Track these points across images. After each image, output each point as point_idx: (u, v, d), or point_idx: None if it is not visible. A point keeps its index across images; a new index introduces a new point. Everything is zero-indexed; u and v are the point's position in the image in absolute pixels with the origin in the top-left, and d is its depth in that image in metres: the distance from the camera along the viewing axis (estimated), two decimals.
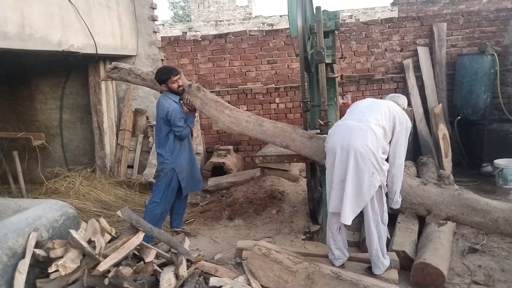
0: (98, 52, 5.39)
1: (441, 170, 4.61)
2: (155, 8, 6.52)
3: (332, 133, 3.07)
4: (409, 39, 6.78)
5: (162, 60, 6.76)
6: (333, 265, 3.13)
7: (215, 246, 4.00)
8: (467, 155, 6.19)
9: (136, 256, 2.84)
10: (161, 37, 7.01)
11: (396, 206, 3.09)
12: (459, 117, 6.28)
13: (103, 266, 2.43)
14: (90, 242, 2.64)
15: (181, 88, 3.90)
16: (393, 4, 13.26)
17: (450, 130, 6.29)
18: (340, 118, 3.66)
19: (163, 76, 3.86)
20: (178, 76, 3.88)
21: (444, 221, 3.45)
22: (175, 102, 3.87)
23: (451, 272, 3.21)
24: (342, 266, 3.15)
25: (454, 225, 3.92)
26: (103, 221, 2.84)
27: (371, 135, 2.86)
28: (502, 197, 4.88)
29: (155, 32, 6.56)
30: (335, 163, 2.92)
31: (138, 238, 2.73)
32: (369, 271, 3.09)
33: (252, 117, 3.84)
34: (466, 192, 3.27)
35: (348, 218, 2.88)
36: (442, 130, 5.95)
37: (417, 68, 6.64)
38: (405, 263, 3.23)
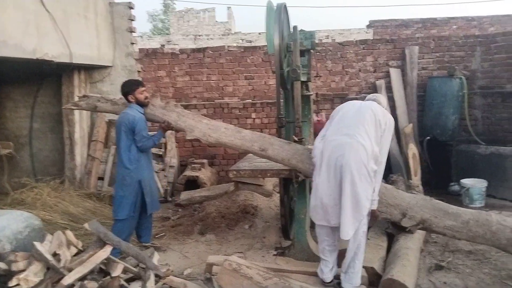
0: (73, 62, 5.31)
1: (410, 181, 4.72)
2: (133, 20, 6.51)
3: (324, 149, 3.08)
4: (382, 61, 7.00)
5: (138, 71, 6.72)
6: (322, 280, 3.19)
7: (185, 261, 3.94)
8: (435, 174, 6.38)
9: (103, 271, 2.77)
10: (139, 49, 6.99)
11: (374, 206, 3.08)
12: (428, 137, 6.49)
13: (67, 280, 2.36)
14: (55, 255, 2.57)
15: (147, 99, 3.90)
16: (368, 26, 13.69)
17: (420, 149, 6.48)
18: (315, 135, 3.72)
19: (132, 87, 3.86)
20: (145, 88, 3.94)
21: (418, 226, 3.37)
22: (141, 113, 3.86)
23: None
24: (330, 283, 3.18)
25: (421, 242, 4.01)
26: (69, 233, 2.78)
27: (362, 151, 2.93)
28: None
29: (132, 43, 6.53)
30: (329, 179, 2.99)
31: (105, 252, 2.68)
32: (339, 286, 3.12)
33: (230, 126, 3.91)
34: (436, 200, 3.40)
35: (348, 233, 2.95)
36: (412, 150, 6.12)
37: (389, 89, 6.84)
38: (374, 279, 3.27)
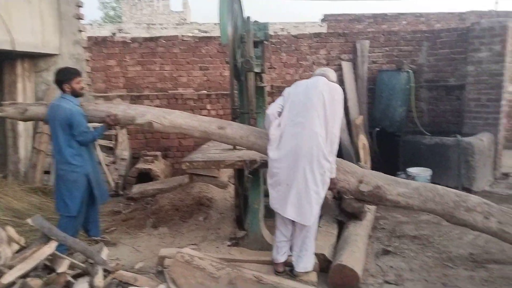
0: (15, 49, 5.00)
1: (359, 162, 4.88)
2: (81, 6, 6.21)
3: (281, 139, 3.13)
4: (335, 54, 7.16)
5: (87, 60, 6.45)
6: (276, 261, 3.28)
7: (137, 255, 3.86)
8: (384, 163, 6.64)
9: (48, 267, 2.66)
10: (88, 37, 6.69)
11: (333, 174, 3.19)
12: (377, 129, 6.74)
13: (7, 278, 2.25)
14: None
15: (83, 90, 3.72)
16: (322, 20, 13.92)
17: (370, 140, 6.72)
18: None
19: (69, 75, 3.59)
20: (82, 78, 3.73)
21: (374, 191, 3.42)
22: (77, 105, 3.62)
23: (365, 273, 3.40)
24: (285, 263, 3.29)
25: (370, 228, 4.18)
26: (10, 229, 2.64)
27: (316, 139, 3.02)
28: None
29: (80, 31, 6.24)
30: (287, 169, 3.07)
31: (49, 248, 2.57)
32: (291, 273, 3.19)
33: (185, 112, 3.82)
34: None
35: (310, 219, 3.09)
36: (362, 140, 6.33)
37: (341, 82, 7.00)
38: (325, 266, 3.37)
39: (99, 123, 3.72)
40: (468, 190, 5.29)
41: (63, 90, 3.60)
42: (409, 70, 6.75)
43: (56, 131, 3.51)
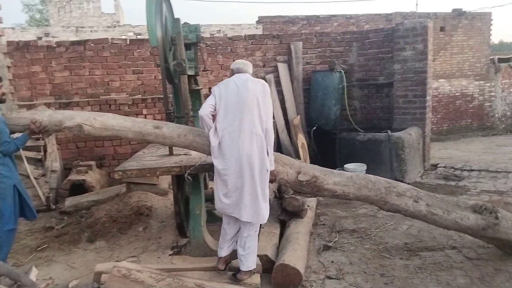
0: None
1: (299, 160, 5.02)
2: None
3: (221, 144, 3.14)
4: (270, 56, 7.24)
5: (8, 67, 5.98)
6: (217, 265, 3.32)
7: (71, 272, 3.62)
8: (323, 161, 6.84)
9: None
10: (7, 41, 6.20)
11: (272, 167, 3.26)
12: (314, 127, 6.93)
13: None
14: None
15: (4, 96, 3.44)
16: (258, 22, 14.07)
17: (308, 139, 6.89)
18: None
19: None
20: (2, 84, 3.42)
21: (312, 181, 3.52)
22: None
23: (308, 270, 3.46)
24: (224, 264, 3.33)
25: (311, 225, 4.26)
26: None
27: (255, 138, 3.09)
28: None
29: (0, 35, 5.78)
30: (231, 173, 3.11)
31: None
32: (234, 277, 3.16)
33: (118, 115, 3.67)
34: None
35: (265, 217, 3.20)
36: (301, 139, 6.47)
37: (278, 83, 7.12)
38: (268, 266, 3.37)
39: (23, 131, 3.44)
40: (401, 182, 5.58)
41: None
42: (341, 70, 7.01)
43: None
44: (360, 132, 6.56)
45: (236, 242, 3.31)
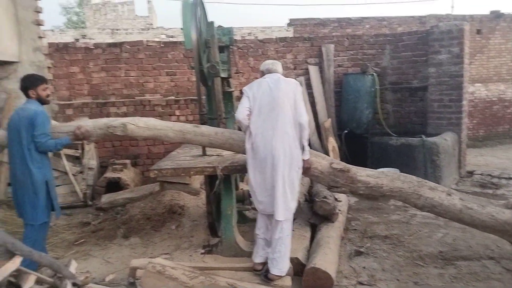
0: None
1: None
2: (41, 12, 6.01)
3: (254, 145, 3.20)
4: (301, 58, 7.24)
5: (49, 67, 6.24)
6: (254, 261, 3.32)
7: (107, 267, 3.75)
8: (353, 165, 6.75)
9: (13, 284, 2.53)
10: (48, 43, 6.47)
11: (306, 156, 3.30)
12: (346, 131, 6.87)
13: None
14: None
15: (49, 97, 3.58)
16: (289, 24, 14.06)
17: (339, 142, 6.84)
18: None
19: (35, 81, 3.48)
20: (48, 85, 3.60)
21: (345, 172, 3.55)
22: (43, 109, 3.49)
23: (339, 275, 3.44)
24: (261, 265, 3.31)
25: (342, 230, 4.23)
26: None
27: (287, 139, 3.15)
28: (383, 203, 5.41)
29: (40, 37, 6.03)
30: (264, 172, 3.17)
31: (14, 263, 2.43)
32: (265, 278, 3.18)
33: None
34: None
35: (284, 214, 3.18)
36: (332, 143, 6.43)
37: (308, 86, 7.10)
38: (298, 269, 3.38)
39: None
40: None
41: (29, 96, 3.47)
42: (373, 73, 6.92)
43: (20, 133, 3.34)
44: (393, 136, 6.45)
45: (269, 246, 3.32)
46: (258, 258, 3.33)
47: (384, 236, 4.30)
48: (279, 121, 3.15)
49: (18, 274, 2.55)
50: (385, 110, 7.28)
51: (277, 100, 3.18)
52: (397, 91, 7.36)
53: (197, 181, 5.76)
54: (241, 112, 3.23)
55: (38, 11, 5.94)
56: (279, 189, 3.14)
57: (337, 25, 13.67)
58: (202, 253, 3.90)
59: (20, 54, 5.87)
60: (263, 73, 3.42)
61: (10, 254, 2.55)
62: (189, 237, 4.33)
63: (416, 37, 7.11)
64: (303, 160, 3.29)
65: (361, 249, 3.93)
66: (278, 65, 3.44)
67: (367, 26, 13.92)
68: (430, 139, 6.00)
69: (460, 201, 3.36)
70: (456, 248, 3.93)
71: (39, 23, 5.96)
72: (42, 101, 3.52)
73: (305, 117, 3.23)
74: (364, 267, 3.61)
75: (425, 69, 6.90)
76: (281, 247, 3.20)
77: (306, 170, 3.38)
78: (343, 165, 3.53)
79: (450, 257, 3.75)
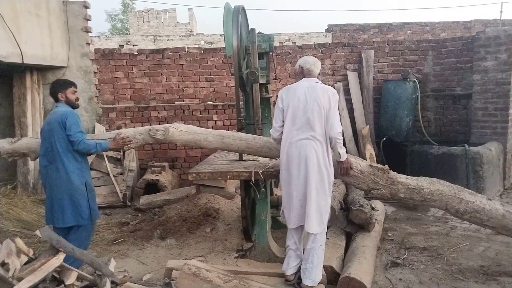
0: (24, 62, 5.08)
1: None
2: (89, 20, 6.33)
3: (287, 152, 3.18)
4: (340, 64, 7.17)
5: (95, 72, 6.54)
6: (286, 274, 3.26)
7: (144, 266, 3.86)
8: None
9: (56, 279, 2.66)
10: (95, 49, 6.79)
11: (344, 157, 3.26)
12: (384, 138, 6.72)
13: None
14: (3, 264, 2.44)
15: (78, 101, 3.69)
16: (327, 30, 14.00)
17: (377, 150, 6.70)
18: None
19: (64, 85, 3.59)
20: (77, 90, 3.72)
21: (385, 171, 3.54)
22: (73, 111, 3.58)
23: (374, 286, 3.37)
24: (292, 276, 3.26)
25: (378, 240, 4.14)
26: (19, 241, 2.64)
27: (320, 148, 3.10)
28: (422, 213, 5.25)
29: (88, 43, 6.35)
30: (295, 183, 3.15)
31: (58, 260, 2.56)
32: (298, 286, 3.17)
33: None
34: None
35: (316, 227, 3.14)
36: (369, 150, 6.32)
37: (347, 92, 7.02)
38: (332, 278, 3.34)
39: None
40: None
41: (58, 100, 3.56)
42: (415, 79, 6.74)
43: (53, 136, 3.39)
44: (434, 145, 6.24)
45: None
46: (289, 271, 3.27)
47: (422, 247, 4.17)
48: (311, 132, 3.10)
49: (61, 270, 2.68)
50: (426, 117, 7.07)
51: (312, 110, 3.10)
52: (439, 99, 7.14)
53: (232, 185, 5.83)
54: (276, 130, 3.26)
55: (86, 18, 6.26)
56: (312, 201, 3.10)
57: (377, 31, 13.47)
58: (235, 257, 3.94)
59: (68, 59, 6.20)
60: (302, 70, 3.29)
61: (55, 250, 2.69)
62: (223, 240, 4.38)
63: (461, 43, 6.88)
64: (342, 161, 3.27)
65: (398, 260, 3.83)
66: (317, 66, 3.31)
67: (409, 31, 13.63)
68: (473, 148, 5.76)
69: (502, 206, 3.27)
70: (499, 263, 3.75)
71: (87, 30, 6.28)
72: (72, 105, 3.59)
73: (337, 129, 3.12)
74: (400, 279, 3.51)
75: (469, 76, 6.65)
76: (314, 257, 3.15)
77: (346, 170, 3.34)
78: (381, 166, 3.52)
79: (493, 272, 3.57)
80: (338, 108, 6.73)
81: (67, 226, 3.46)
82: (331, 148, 3.21)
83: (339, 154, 3.22)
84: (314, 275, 3.15)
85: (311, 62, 3.30)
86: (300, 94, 3.17)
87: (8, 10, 4.82)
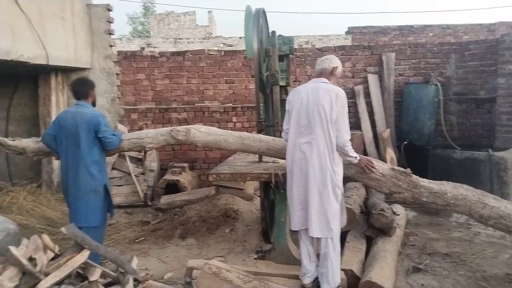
0: (49, 64, 5.21)
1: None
2: (112, 22, 6.45)
3: (291, 154, 3.16)
4: (360, 67, 7.12)
5: (117, 74, 6.65)
6: (302, 283, 3.19)
7: (165, 265, 3.91)
8: None
9: (80, 275, 2.72)
10: (117, 51, 6.91)
11: (357, 158, 3.21)
12: (405, 142, 6.63)
13: (43, 285, 2.31)
14: (31, 259, 2.51)
15: (95, 101, 3.77)
16: (347, 32, 13.92)
17: (397, 154, 6.62)
18: None
19: (93, 85, 3.68)
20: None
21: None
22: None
23: None
24: (309, 285, 3.19)
25: (399, 245, 4.09)
26: (46, 237, 2.71)
27: (322, 153, 3.01)
28: (444, 219, 5.16)
29: (111, 46, 6.46)
30: (297, 186, 3.12)
31: (82, 256, 2.62)
32: None
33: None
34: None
35: (317, 232, 3.07)
36: (390, 154, 6.24)
37: (367, 95, 6.96)
38: (352, 282, 3.31)
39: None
40: None
41: (85, 99, 3.57)
42: (437, 82, 6.63)
43: (79, 137, 3.40)
44: (457, 149, 6.12)
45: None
46: (306, 280, 3.21)
47: (445, 253, 4.09)
48: (314, 137, 3.02)
49: (85, 267, 2.74)
50: (448, 121, 6.95)
51: (313, 114, 3.01)
52: (462, 102, 7.01)
53: (251, 187, 5.85)
54: (285, 133, 3.29)
55: (109, 21, 6.38)
56: (314, 205, 3.03)
57: (398, 33, 13.33)
58: (255, 258, 3.95)
59: (92, 61, 6.33)
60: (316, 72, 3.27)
61: (79, 247, 2.75)
62: (242, 241, 4.40)
63: (485, 46, 6.74)
64: (356, 164, 3.24)
65: (420, 266, 3.77)
66: (325, 63, 3.18)
67: (430, 34, 13.44)
68: (497, 153, 5.63)
69: None
70: None
71: (110, 32, 6.40)
72: (94, 104, 3.68)
73: (345, 137, 3.02)
74: (422, 285, 3.46)
75: (493, 79, 6.51)
76: (328, 262, 3.09)
77: (366, 168, 3.29)
78: (404, 169, 3.47)
79: None
80: (358, 110, 6.75)
81: (90, 226, 3.45)
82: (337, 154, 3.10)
83: (350, 161, 3.19)
84: (331, 279, 3.10)
85: (319, 61, 3.27)
86: (303, 96, 3.11)
87: (35, 14, 4.96)
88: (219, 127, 6.74)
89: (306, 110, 3.07)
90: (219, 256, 3.99)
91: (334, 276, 3.11)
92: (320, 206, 3.04)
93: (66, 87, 6.31)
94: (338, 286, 3.14)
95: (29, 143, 3.77)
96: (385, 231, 4.04)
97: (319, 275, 3.17)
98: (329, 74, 3.19)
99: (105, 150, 3.60)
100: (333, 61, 3.21)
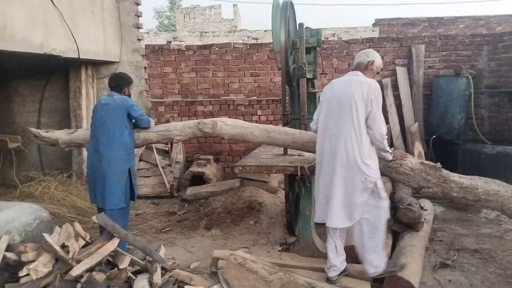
0: (80, 57, 5.35)
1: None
2: (140, 16, 6.55)
3: (320, 146, 3.15)
4: (389, 59, 6.98)
5: (145, 67, 6.76)
6: (328, 276, 3.16)
7: (191, 255, 3.98)
8: None
9: (110, 263, 2.80)
10: (145, 45, 7.02)
11: (389, 157, 3.17)
12: (434, 136, 6.47)
13: (76, 271, 2.39)
14: (63, 246, 2.60)
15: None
16: (374, 24, 13.64)
17: (426, 148, 6.48)
18: None
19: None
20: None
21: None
22: None
23: (422, 286, 3.27)
24: (335, 278, 3.16)
25: (426, 240, 4.02)
26: (78, 226, 2.81)
27: (351, 147, 2.95)
28: (473, 215, 5.03)
29: (139, 39, 6.57)
30: (324, 179, 3.09)
31: (112, 244, 2.70)
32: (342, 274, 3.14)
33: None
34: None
35: (338, 223, 3.04)
36: (418, 148, 6.12)
37: (395, 87, 6.83)
38: (379, 276, 3.28)
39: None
40: None
41: (120, 91, 3.76)
42: (468, 75, 6.44)
43: (114, 120, 3.57)
44: (488, 144, 5.95)
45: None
46: (331, 273, 3.16)
47: (474, 249, 4.00)
48: (343, 129, 2.97)
49: (115, 255, 2.82)
50: (479, 115, 6.74)
51: (344, 107, 2.96)
52: (494, 96, 6.78)
53: (275, 180, 5.85)
54: (314, 122, 3.27)
55: (138, 15, 6.48)
56: (337, 196, 2.99)
57: (427, 25, 12.98)
58: (279, 250, 3.97)
59: (121, 55, 6.45)
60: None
61: (109, 236, 2.83)
62: (266, 233, 4.42)
63: None
64: (391, 160, 3.20)
65: (447, 262, 3.70)
66: (361, 57, 3.13)
67: (461, 25, 13.03)
68: None
69: None
70: None
71: (138, 26, 6.50)
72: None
73: (380, 130, 2.95)
74: (450, 280, 3.40)
75: None
76: (364, 249, 3.06)
77: (401, 159, 3.27)
78: (433, 163, 3.36)
79: None
80: (386, 104, 6.62)
81: (117, 208, 3.59)
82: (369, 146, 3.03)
83: (384, 156, 3.13)
84: (374, 263, 3.04)
85: (357, 55, 3.22)
86: (337, 88, 3.09)
87: (66, 8, 5.09)
88: (243, 120, 6.81)
89: (337, 102, 3.04)
90: (243, 247, 4.03)
91: (375, 259, 3.05)
92: (344, 198, 3.00)
93: (96, 80, 6.47)
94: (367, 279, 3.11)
95: (62, 134, 3.89)
96: (412, 226, 3.98)
97: (361, 260, 3.12)
98: (364, 68, 3.13)
99: (135, 132, 3.74)
100: (369, 55, 3.14)
